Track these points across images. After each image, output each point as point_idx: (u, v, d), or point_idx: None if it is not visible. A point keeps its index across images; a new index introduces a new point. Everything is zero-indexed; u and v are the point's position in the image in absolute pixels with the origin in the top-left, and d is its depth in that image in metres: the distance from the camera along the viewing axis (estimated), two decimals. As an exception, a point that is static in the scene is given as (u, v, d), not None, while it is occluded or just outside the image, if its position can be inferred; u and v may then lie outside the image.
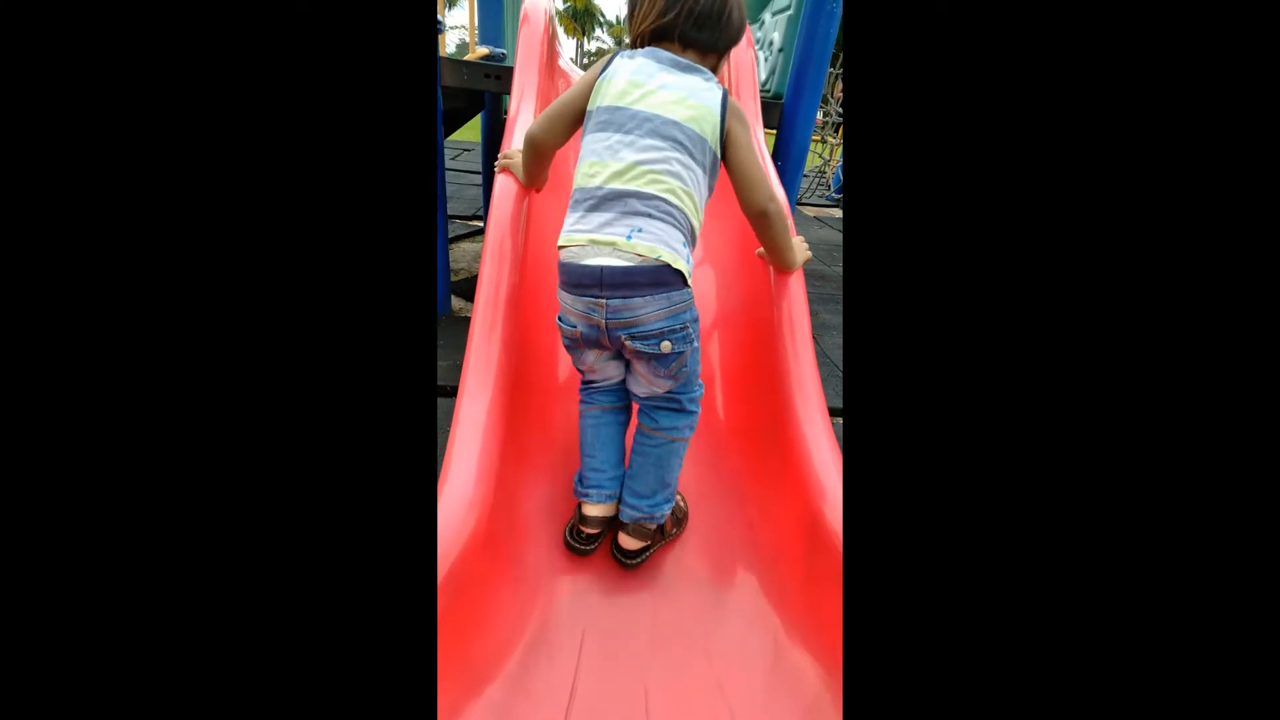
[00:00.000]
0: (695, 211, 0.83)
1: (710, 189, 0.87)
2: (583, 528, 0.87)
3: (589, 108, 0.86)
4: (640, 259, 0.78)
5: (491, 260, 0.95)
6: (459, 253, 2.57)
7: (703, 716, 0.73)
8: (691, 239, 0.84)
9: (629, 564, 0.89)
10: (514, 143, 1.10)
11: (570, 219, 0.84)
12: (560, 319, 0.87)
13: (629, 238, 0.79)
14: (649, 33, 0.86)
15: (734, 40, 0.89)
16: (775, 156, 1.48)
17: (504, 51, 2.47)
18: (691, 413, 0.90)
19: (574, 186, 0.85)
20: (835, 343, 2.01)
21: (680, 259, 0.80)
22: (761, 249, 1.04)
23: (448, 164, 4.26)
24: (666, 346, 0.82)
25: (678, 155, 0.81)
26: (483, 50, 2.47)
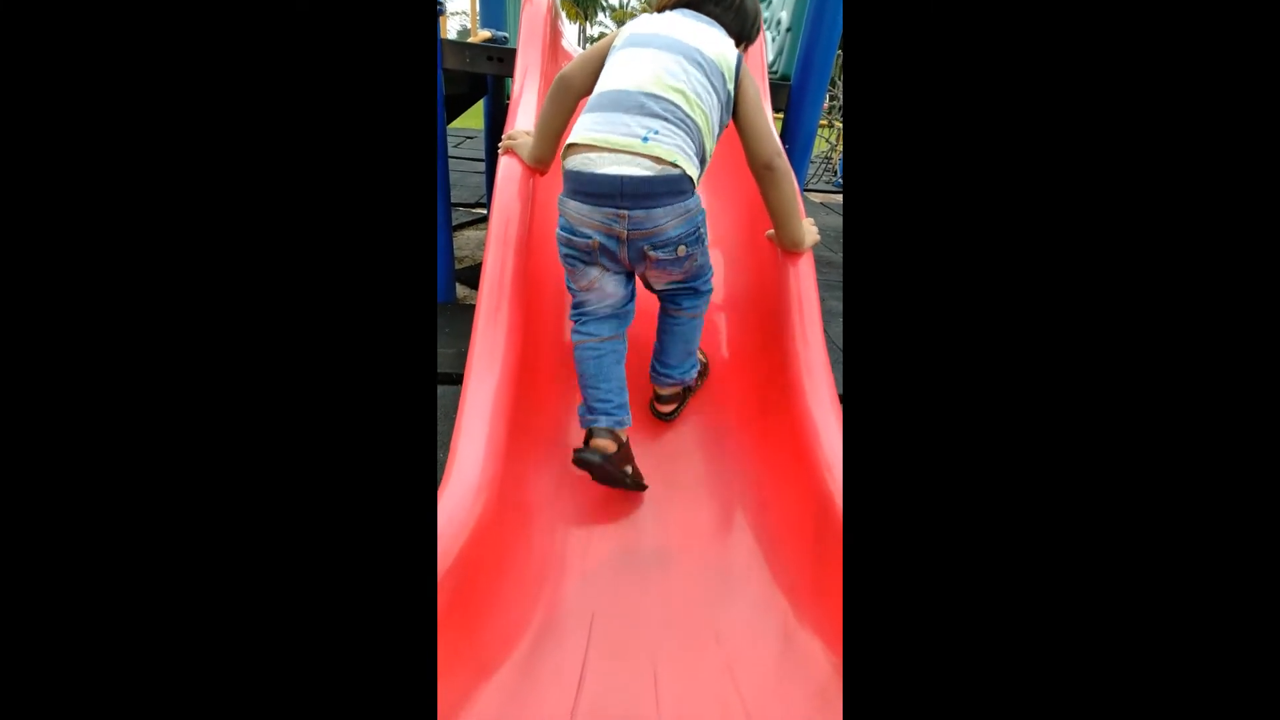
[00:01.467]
0: (709, 132, 0.86)
1: (721, 125, 0.88)
2: (593, 442, 0.88)
3: (614, 44, 0.90)
4: (658, 166, 0.79)
5: (496, 244, 0.94)
6: (463, 240, 2.55)
7: (712, 699, 0.73)
8: (702, 160, 0.85)
9: (667, 416, 1.05)
10: (517, 123, 1.08)
11: (583, 120, 0.84)
12: (568, 231, 0.86)
13: (645, 139, 0.80)
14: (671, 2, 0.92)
15: (746, 29, 0.94)
16: (783, 138, 1.46)
17: (506, 34, 2.43)
18: (706, 292, 0.98)
19: (593, 93, 0.88)
20: (842, 329, 1.99)
21: (694, 167, 0.82)
22: (771, 231, 1.03)
23: (451, 151, 4.23)
24: (682, 250, 0.86)
25: (697, 74, 0.83)
26: (485, 34, 2.44)
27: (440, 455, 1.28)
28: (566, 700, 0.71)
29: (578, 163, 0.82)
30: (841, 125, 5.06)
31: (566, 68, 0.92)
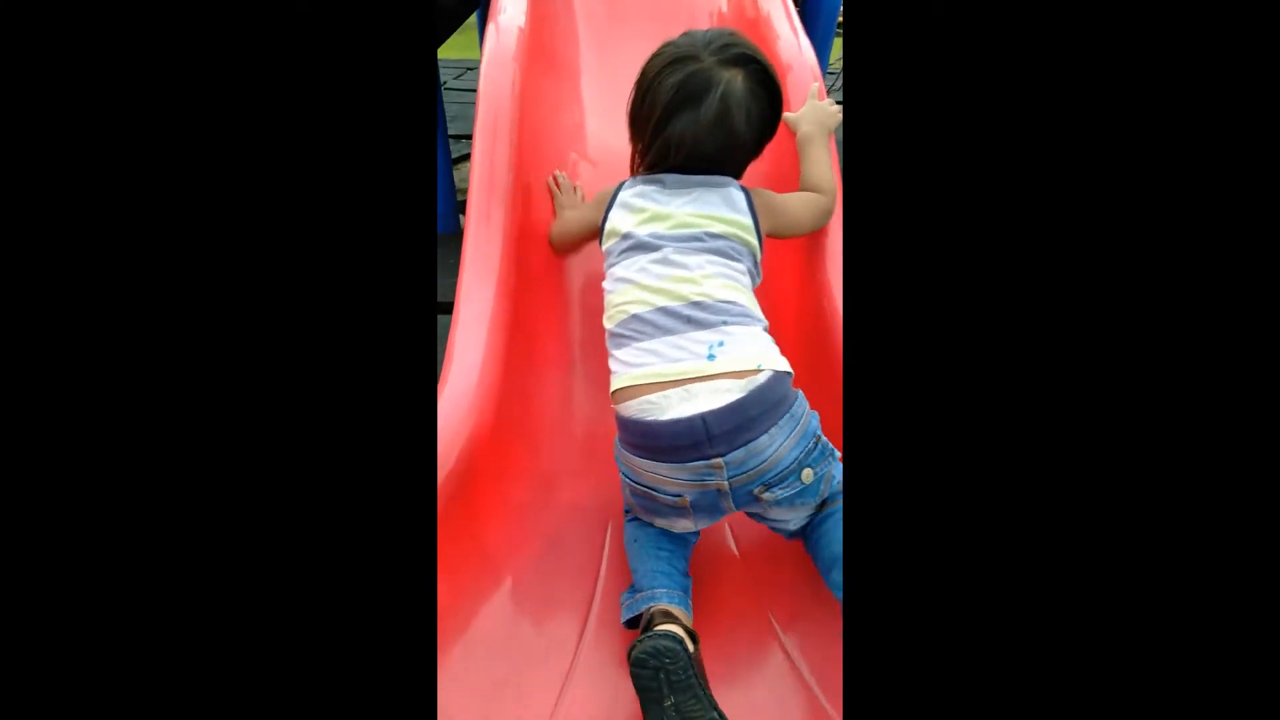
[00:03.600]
0: (756, 304, 0.70)
1: (758, 279, 0.74)
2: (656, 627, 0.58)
3: (603, 244, 0.77)
4: (742, 380, 0.59)
5: (484, 137, 0.86)
6: (464, 173, 2.47)
7: (735, 603, 0.70)
8: (769, 336, 0.67)
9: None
10: (502, 14, 0.97)
11: (622, 356, 0.66)
12: (644, 486, 0.64)
13: (711, 356, 0.61)
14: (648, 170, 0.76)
15: (767, 137, 0.75)
16: (803, 16, 1.31)
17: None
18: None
19: (609, 328, 0.70)
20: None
21: (778, 359, 0.63)
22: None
23: (451, 83, 4.05)
24: (808, 475, 0.61)
25: (720, 258, 0.68)
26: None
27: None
28: (583, 603, 0.69)
29: (635, 410, 0.62)
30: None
31: (557, 230, 0.89)
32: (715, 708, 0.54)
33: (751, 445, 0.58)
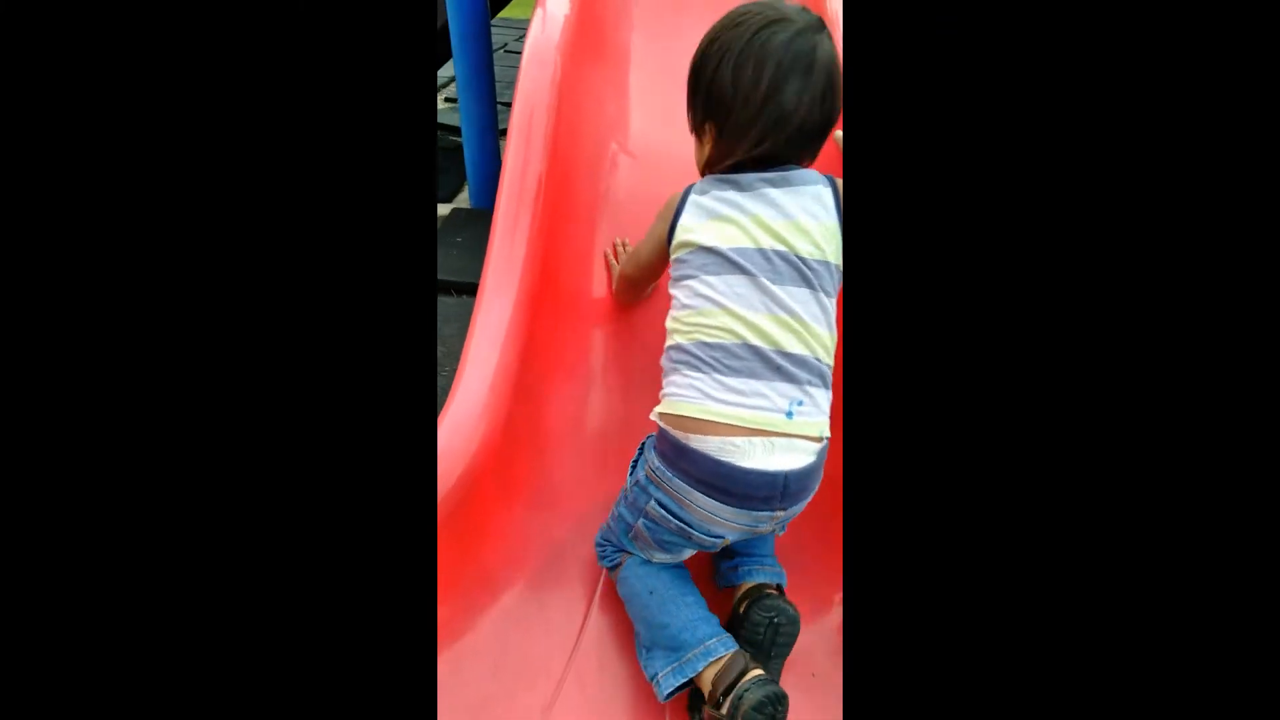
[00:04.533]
0: (834, 343, 0.64)
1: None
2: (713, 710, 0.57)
3: (672, 254, 0.67)
4: (816, 446, 0.59)
5: (518, 141, 0.83)
6: None
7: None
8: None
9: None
10: (550, 11, 0.93)
11: (697, 383, 0.59)
12: (684, 523, 0.60)
13: (790, 415, 0.58)
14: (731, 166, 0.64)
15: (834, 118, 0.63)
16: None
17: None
18: None
19: (682, 344, 0.62)
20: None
21: (826, 427, 0.61)
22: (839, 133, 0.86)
23: (511, 45, 3.98)
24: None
25: (815, 293, 0.60)
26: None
27: (455, 367, 1.26)
28: (572, 629, 0.69)
29: (714, 448, 0.57)
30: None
31: (634, 264, 0.80)
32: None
33: (800, 504, 0.61)
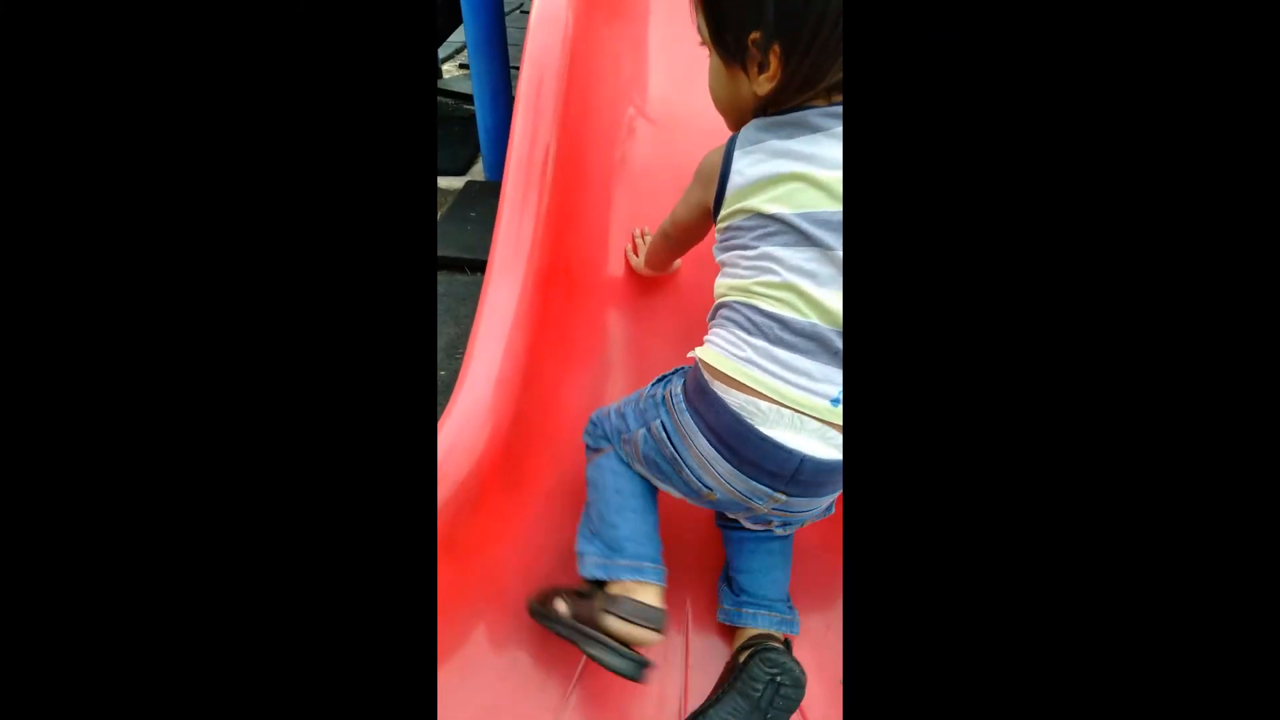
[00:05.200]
0: None
1: None
2: (638, 626, 0.55)
3: (719, 222, 0.58)
4: (842, 450, 0.52)
5: (526, 108, 0.77)
6: None
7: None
8: None
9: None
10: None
11: (736, 340, 0.53)
12: (680, 458, 0.56)
13: (835, 401, 0.50)
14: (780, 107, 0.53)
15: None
16: None
17: None
18: None
19: (739, 298, 0.54)
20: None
21: None
22: None
23: (523, 6, 3.84)
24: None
25: None
26: None
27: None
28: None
29: (735, 402, 0.51)
30: None
31: (673, 222, 0.69)
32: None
33: (813, 499, 0.54)
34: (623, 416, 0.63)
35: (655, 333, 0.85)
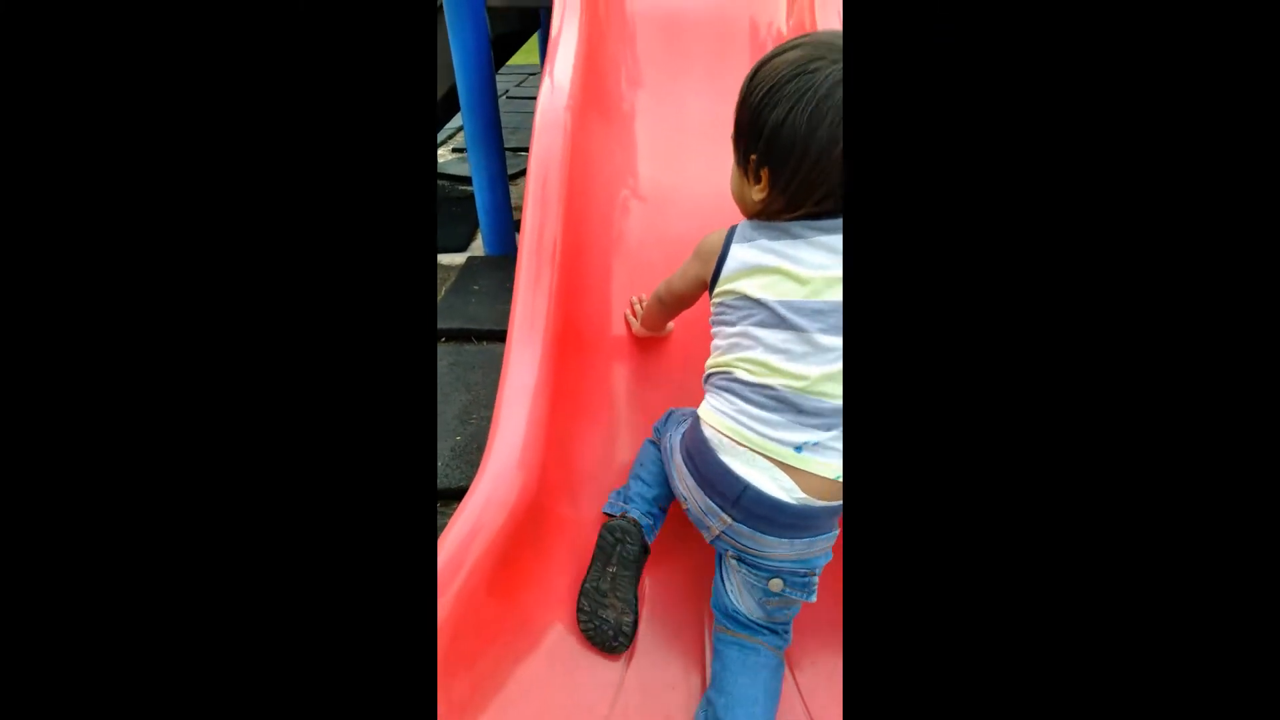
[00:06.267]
0: None
1: None
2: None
3: (714, 297, 0.69)
4: (803, 494, 0.59)
5: (535, 201, 0.89)
6: (522, 188, 2.49)
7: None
8: None
9: None
10: (557, 63, 0.99)
11: (720, 399, 0.64)
12: (667, 466, 0.73)
13: (799, 450, 0.59)
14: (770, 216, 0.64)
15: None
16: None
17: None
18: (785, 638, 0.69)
19: (726, 372, 0.65)
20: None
21: None
22: None
23: (513, 91, 4.12)
24: (776, 585, 0.63)
25: None
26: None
27: (486, 413, 1.29)
28: (616, 666, 0.72)
29: (707, 434, 0.63)
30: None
31: (668, 290, 0.80)
32: (635, 592, 0.73)
33: (759, 535, 0.61)
34: (665, 425, 0.82)
35: (655, 385, 0.95)
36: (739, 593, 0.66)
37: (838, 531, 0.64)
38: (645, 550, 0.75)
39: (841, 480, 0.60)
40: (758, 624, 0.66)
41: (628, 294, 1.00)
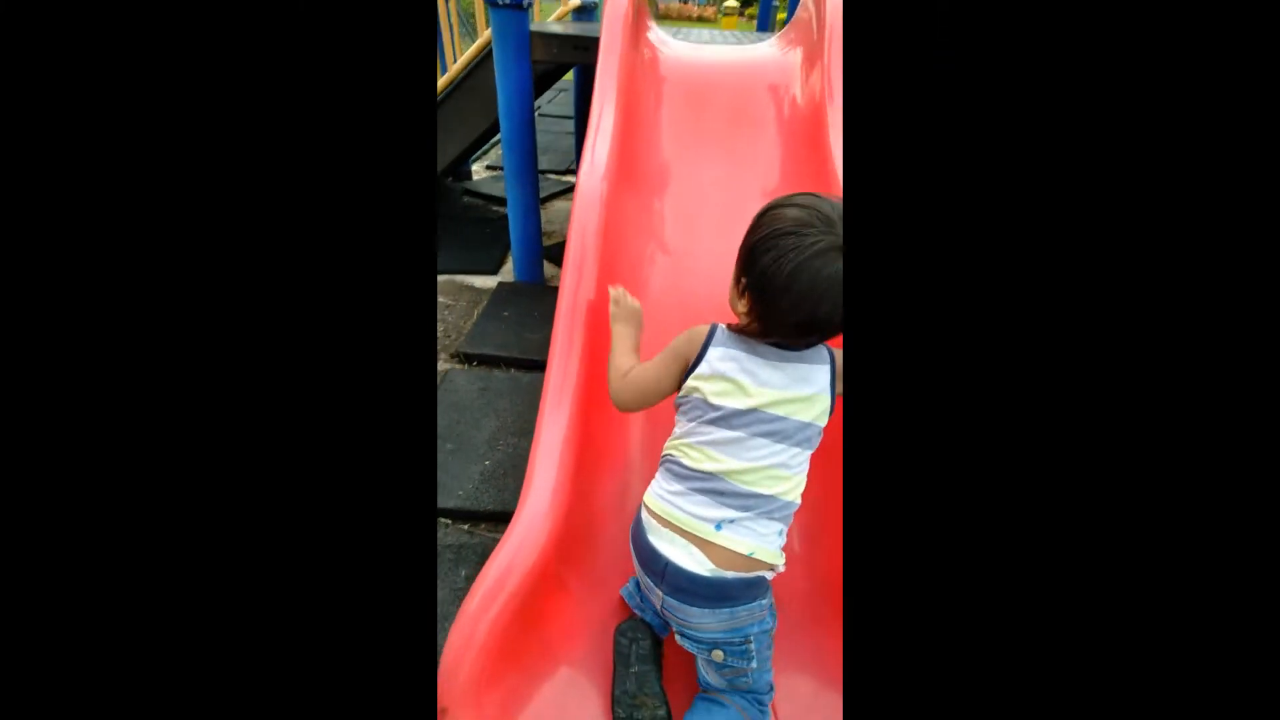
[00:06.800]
0: (801, 485, 0.76)
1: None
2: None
3: (680, 390, 0.79)
4: (718, 569, 0.70)
5: (572, 271, 1.00)
6: (551, 213, 2.52)
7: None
8: (790, 519, 0.76)
9: None
10: (596, 146, 1.10)
11: (658, 483, 0.79)
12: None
13: (718, 527, 0.71)
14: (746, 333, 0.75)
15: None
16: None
17: (595, 1, 2.36)
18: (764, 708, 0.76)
19: (672, 455, 0.79)
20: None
21: (774, 551, 0.73)
22: None
23: (545, 108, 4.16)
24: (718, 656, 0.74)
25: (799, 450, 0.73)
26: (574, 2, 2.40)
27: (523, 441, 1.34)
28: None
29: (643, 517, 0.78)
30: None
31: (624, 391, 0.82)
32: (660, 684, 0.78)
33: (687, 607, 0.72)
34: None
35: (665, 436, 1.06)
36: (702, 665, 0.78)
37: (763, 601, 0.74)
38: (659, 642, 0.83)
39: (755, 556, 0.71)
40: (728, 691, 0.76)
41: (651, 348, 1.11)
